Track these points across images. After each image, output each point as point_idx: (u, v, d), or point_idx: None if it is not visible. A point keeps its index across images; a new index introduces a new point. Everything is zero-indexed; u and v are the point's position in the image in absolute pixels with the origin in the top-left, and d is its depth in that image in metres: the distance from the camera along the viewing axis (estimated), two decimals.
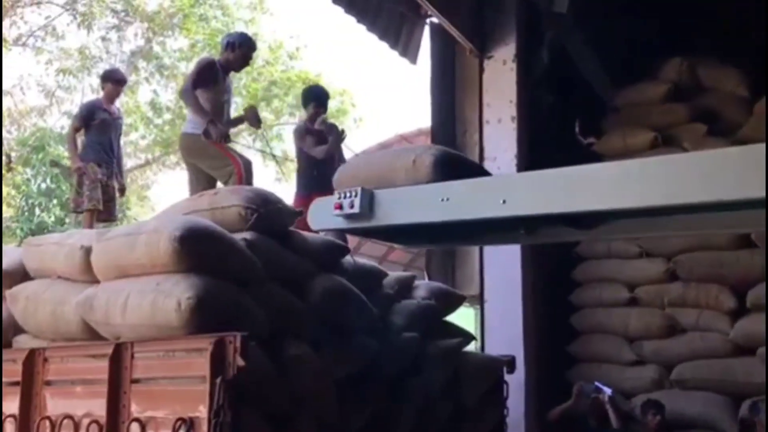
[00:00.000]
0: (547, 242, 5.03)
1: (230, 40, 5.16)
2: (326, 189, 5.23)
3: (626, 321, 6.08)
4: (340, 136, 5.77)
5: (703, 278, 5.86)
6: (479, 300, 6.06)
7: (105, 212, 5.88)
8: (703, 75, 6.56)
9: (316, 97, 5.93)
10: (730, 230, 4.88)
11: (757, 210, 3.05)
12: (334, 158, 5.64)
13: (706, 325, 5.79)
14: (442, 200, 3.18)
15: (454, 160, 3.63)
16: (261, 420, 2.53)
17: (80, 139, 6.14)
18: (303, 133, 5.78)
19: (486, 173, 3.91)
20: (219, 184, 4.78)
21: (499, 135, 6.03)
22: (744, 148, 2.50)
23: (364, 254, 10.74)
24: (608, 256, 6.31)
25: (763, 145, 2.57)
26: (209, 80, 4.92)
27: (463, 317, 5.90)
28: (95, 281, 2.93)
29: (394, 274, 3.98)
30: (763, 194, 2.51)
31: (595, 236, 3.57)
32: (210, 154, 4.77)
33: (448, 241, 4.31)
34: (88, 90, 13.80)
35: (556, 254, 6.48)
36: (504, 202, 2.97)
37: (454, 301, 4.36)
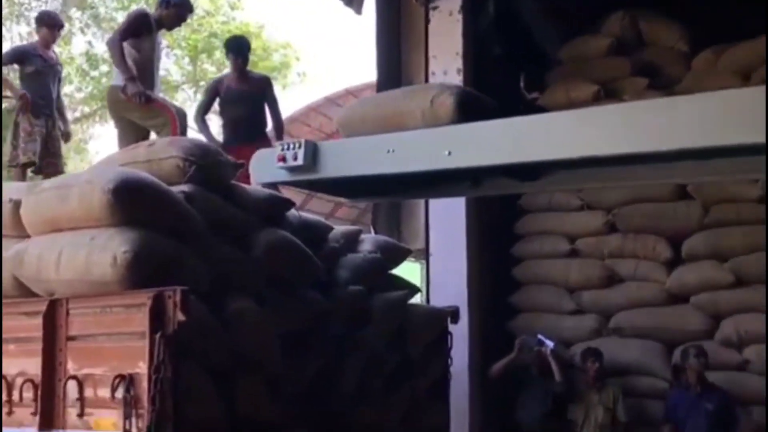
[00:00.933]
0: (492, 194, 5.07)
1: None
2: (254, 140, 5.29)
3: (567, 272, 6.21)
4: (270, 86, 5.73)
5: (641, 230, 6.00)
6: (425, 253, 6.11)
7: (51, 167, 5.55)
8: (645, 29, 6.61)
9: (234, 48, 5.77)
10: (667, 181, 4.99)
11: (693, 161, 3.11)
12: (262, 110, 5.61)
13: (643, 275, 5.96)
14: (388, 152, 3.14)
15: (475, 99, 3.43)
16: (203, 375, 2.50)
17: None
18: (213, 89, 5.73)
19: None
20: (153, 136, 4.65)
21: None
22: (680, 99, 2.53)
23: (310, 211, 10.66)
24: (550, 209, 6.40)
25: (699, 96, 2.61)
26: (138, 33, 4.74)
27: (410, 272, 5.95)
28: (26, 236, 2.81)
29: (339, 228, 3.96)
30: (699, 145, 2.56)
31: (538, 188, 3.60)
32: (140, 105, 4.63)
33: (393, 194, 4.29)
34: (18, 40, 13.18)
35: (499, 208, 6.54)
36: (449, 153, 2.95)
37: (399, 255, 4.37)
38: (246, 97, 5.64)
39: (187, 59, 15.21)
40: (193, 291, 2.40)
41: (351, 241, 3.85)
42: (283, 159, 3.22)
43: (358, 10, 6.51)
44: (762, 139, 2.33)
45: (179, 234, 2.63)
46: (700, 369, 5.11)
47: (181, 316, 2.30)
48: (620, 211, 6.07)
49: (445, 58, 5.95)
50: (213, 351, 2.55)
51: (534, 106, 6.75)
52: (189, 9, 5.20)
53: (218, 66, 14.89)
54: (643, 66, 6.41)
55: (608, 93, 6.29)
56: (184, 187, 2.84)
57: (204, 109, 5.93)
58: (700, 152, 2.78)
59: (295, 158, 3.20)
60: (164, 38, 5.30)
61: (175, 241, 2.60)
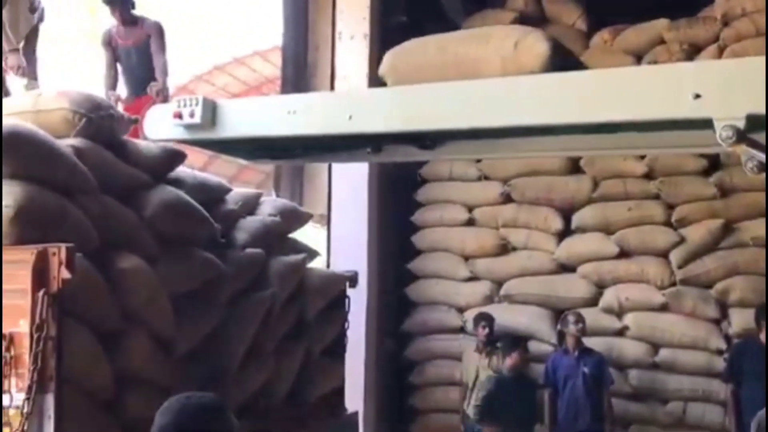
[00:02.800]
0: (392, 161, 5.13)
1: None
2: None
3: (463, 240, 6.40)
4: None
5: (534, 201, 6.26)
6: (326, 219, 6.13)
7: None
8: (547, 6, 6.82)
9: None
10: (561, 153, 5.19)
11: (585, 135, 3.26)
12: (152, 59, 5.40)
13: (534, 245, 6.22)
14: (289, 113, 3.09)
15: (563, 49, 2.96)
16: (89, 335, 2.42)
17: None
18: (105, 44, 5.48)
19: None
20: None
21: (351, 52, 5.99)
22: (572, 74, 2.62)
23: (213, 173, 10.41)
24: (450, 179, 6.56)
25: (584, 73, 2.71)
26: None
27: (315, 237, 5.95)
28: None
29: (239, 190, 3.89)
30: (586, 120, 2.67)
31: (436, 155, 3.66)
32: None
33: (295, 156, 4.26)
34: None
35: (401, 176, 6.64)
36: (350, 117, 2.94)
37: (300, 219, 4.35)
38: (132, 48, 5.42)
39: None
40: (80, 248, 2.31)
41: (250, 203, 3.80)
42: (179, 116, 3.11)
43: None
44: (644, 117, 2.46)
45: (67, 190, 2.52)
46: (577, 334, 5.42)
47: (66, 274, 2.22)
48: (515, 182, 6.29)
49: (352, 23, 5.93)
50: (99, 310, 2.47)
51: None
52: None
53: None
54: None
55: None
56: (74, 141, 2.71)
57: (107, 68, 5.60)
58: (589, 127, 2.91)
59: (192, 115, 3.09)
60: None
61: (62, 196, 2.49)
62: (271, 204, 4.07)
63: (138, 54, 5.38)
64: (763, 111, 2.17)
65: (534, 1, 6.77)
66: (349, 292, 4.51)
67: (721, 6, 6.02)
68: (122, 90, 5.56)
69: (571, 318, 5.49)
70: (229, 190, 3.70)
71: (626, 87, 2.50)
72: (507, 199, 6.37)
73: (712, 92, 2.21)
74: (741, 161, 2.28)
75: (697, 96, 2.22)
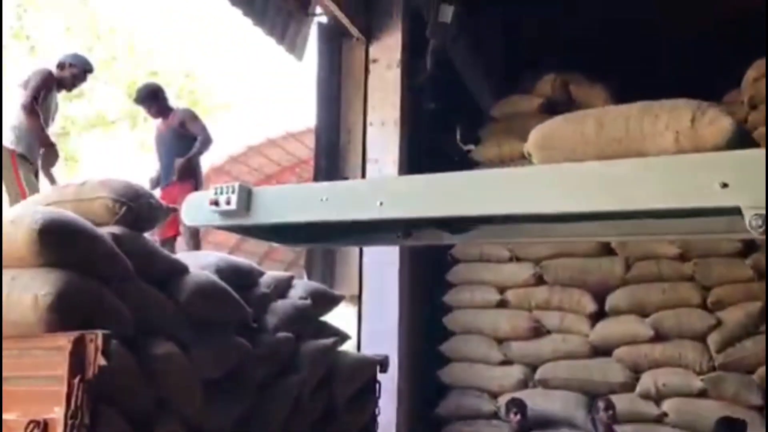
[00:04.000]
0: (422, 245, 5.17)
1: (61, 60, 5.03)
2: (183, 180, 5.28)
3: (495, 322, 6.34)
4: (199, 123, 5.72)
5: (567, 283, 6.21)
6: (357, 300, 6.13)
7: None
8: (574, 91, 6.96)
9: (139, 100, 5.92)
10: (591, 239, 5.18)
11: (616, 221, 3.27)
12: (189, 147, 5.61)
13: (568, 328, 6.13)
14: (322, 200, 3.17)
15: (741, 126, 2.64)
16: (121, 421, 2.43)
17: None
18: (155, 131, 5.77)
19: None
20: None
21: (382, 137, 6.14)
22: (605, 164, 2.66)
23: (245, 252, 10.57)
24: (480, 260, 6.56)
25: (623, 162, 2.74)
26: (45, 93, 4.77)
27: (347, 315, 5.95)
28: None
29: (271, 273, 3.94)
30: (621, 208, 2.68)
31: (465, 239, 3.69)
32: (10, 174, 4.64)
33: (327, 240, 4.31)
34: None
35: (432, 257, 6.66)
36: (381, 204, 3.00)
37: (331, 301, 4.37)
38: (167, 137, 5.68)
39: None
40: (116, 335, 2.36)
41: (282, 286, 3.84)
42: (216, 203, 3.20)
43: (300, 56, 6.63)
44: (672, 205, 2.47)
45: (105, 276, 2.59)
46: (608, 421, 5.26)
47: (102, 360, 2.26)
48: (548, 264, 6.27)
49: (383, 109, 6.10)
50: (133, 396, 2.49)
51: (469, 159, 6.97)
52: (88, 69, 5.21)
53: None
54: None
55: None
56: (113, 229, 2.80)
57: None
58: (620, 213, 2.92)
59: (228, 203, 3.19)
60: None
61: (100, 283, 2.56)
62: (302, 286, 4.11)
63: (169, 140, 5.63)
64: None
65: (561, 86, 6.92)
66: (380, 376, 4.47)
67: (748, 89, 6.08)
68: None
69: (601, 404, 5.36)
70: (261, 274, 3.75)
71: (655, 175, 2.52)
72: (539, 280, 6.34)
73: (739, 181, 2.23)
74: None
75: (725, 185, 2.23)
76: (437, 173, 3.02)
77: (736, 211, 2.31)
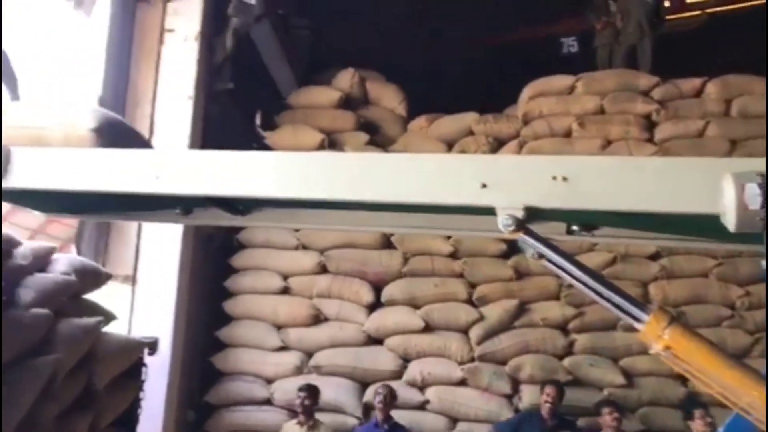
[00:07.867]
0: (201, 224, 5.02)
1: None
2: None
3: (276, 309, 6.34)
4: None
5: (348, 273, 6.37)
6: (132, 279, 5.82)
7: None
8: (371, 89, 7.17)
9: None
10: (374, 229, 5.35)
11: (394, 213, 3.40)
12: None
13: (345, 317, 6.30)
14: (91, 167, 2.94)
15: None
16: None
17: None
18: None
19: None
20: None
21: (172, 113, 5.88)
22: (385, 156, 2.76)
23: (17, 225, 9.56)
24: (267, 246, 6.52)
25: (393, 156, 2.87)
26: None
27: (121, 298, 5.61)
28: None
29: (29, 243, 3.62)
30: (393, 200, 2.80)
31: (247, 222, 3.63)
32: None
33: (98, 212, 4.04)
34: None
35: (218, 241, 6.51)
36: (158, 177, 2.86)
37: (98, 279, 4.12)
38: None
39: None
40: None
41: (41, 259, 3.55)
42: None
43: (88, 12, 6.13)
44: (438, 201, 2.63)
45: None
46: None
47: None
48: (331, 253, 6.39)
49: (177, 83, 5.85)
50: None
51: (266, 144, 6.91)
52: None
53: None
54: (365, 122, 6.92)
55: (332, 143, 6.66)
56: None
57: None
58: (398, 206, 3.05)
59: None
60: None
61: None
62: (66, 261, 3.82)
63: None
64: (540, 204, 2.40)
65: (359, 83, 7.10)
66: (150, 359, 4.30)
67: (523, 107, 6.67)
68: None
69: (381, 390, 5.56)
70: (17, 244, 3.43)
71: (426, 172, 2.66)
72: (323, 269, 6.44)
73: (496, 183, 2.42)
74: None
75: (484, 185, 2.41)
76: (219, 150, 2.95)
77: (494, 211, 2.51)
